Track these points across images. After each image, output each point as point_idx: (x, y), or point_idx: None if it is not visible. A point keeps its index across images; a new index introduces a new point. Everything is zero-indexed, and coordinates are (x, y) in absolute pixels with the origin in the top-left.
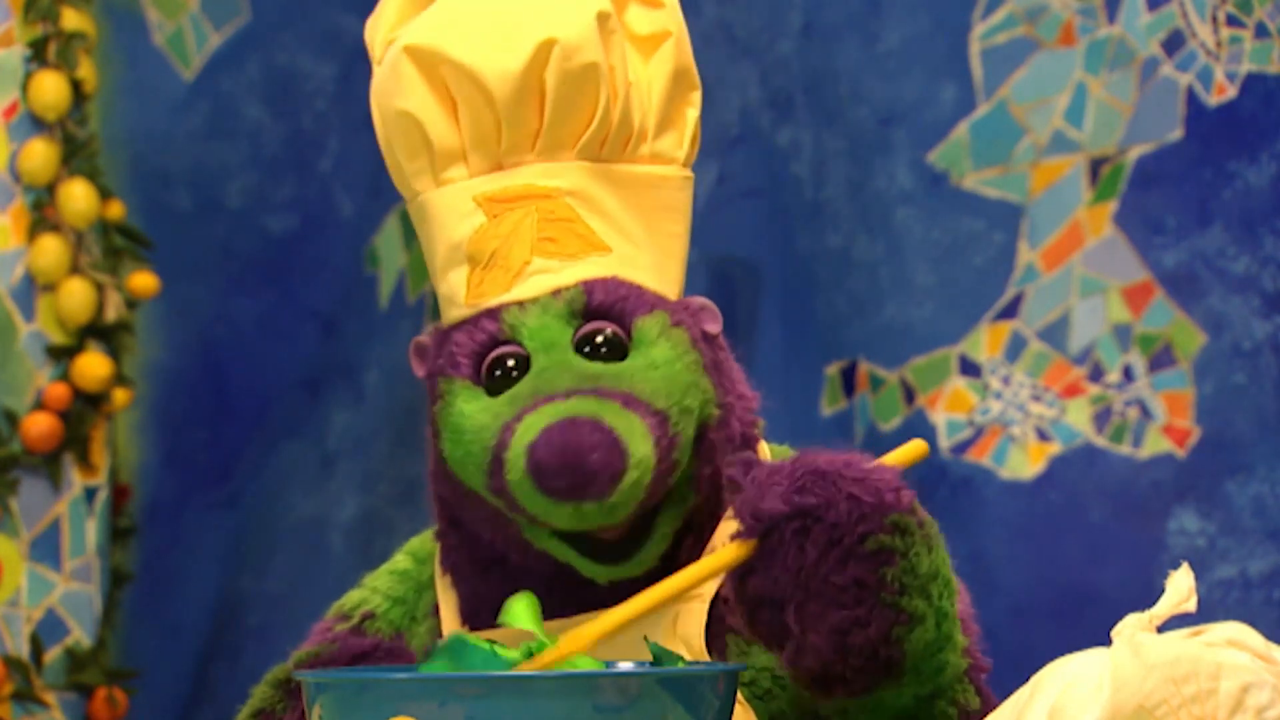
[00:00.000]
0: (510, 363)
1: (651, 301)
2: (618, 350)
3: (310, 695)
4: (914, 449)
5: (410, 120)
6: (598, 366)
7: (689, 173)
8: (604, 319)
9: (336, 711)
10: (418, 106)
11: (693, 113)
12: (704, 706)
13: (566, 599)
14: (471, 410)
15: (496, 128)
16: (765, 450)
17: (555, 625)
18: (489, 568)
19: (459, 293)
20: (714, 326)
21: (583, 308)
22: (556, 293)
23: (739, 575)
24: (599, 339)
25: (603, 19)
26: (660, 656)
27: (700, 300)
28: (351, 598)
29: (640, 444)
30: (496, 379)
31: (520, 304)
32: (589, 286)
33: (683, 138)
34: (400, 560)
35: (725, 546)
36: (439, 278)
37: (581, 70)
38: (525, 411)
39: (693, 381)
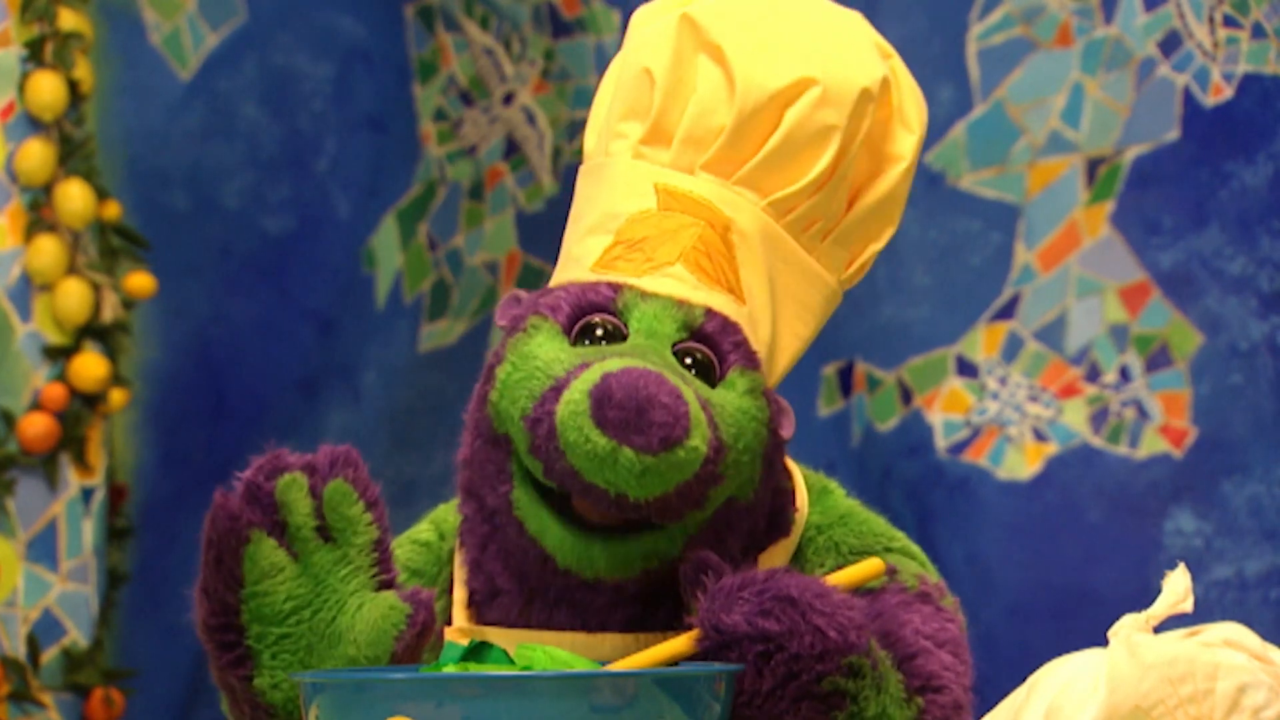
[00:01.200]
0: (601, 332)
1: (755, 363)
2: (706, 376)
3: (307, 695)
4: (869, 568)
5: (647, 81)
6: (687, 374)
7: (840, 293)
8: (708, 346)
9: (334, 711)
10: (662, 74)
11: (875, 247)
12: (701, 707)
13: (539, 597)
14: (551, 347)
15: (717, 133)
16: (796, 471)
17: (515, 635)
18: (485, 544)
19: (590, 257)
20: (787, 431)
21: (697, 327)
22: (680, 303)
23: None
24: (693, 358)
25: (866, 95)
26: None
27: (784, 403)
28: None
29: (701, 435)
30: (585, 344)
31: (643, 294)
32: (711, 313)
33: (854, 262)
34: (424, 530)
35: (679, 637)
36: (577, 239)
37: (822, 126)
38: (608, 355)
39: (754, 449)
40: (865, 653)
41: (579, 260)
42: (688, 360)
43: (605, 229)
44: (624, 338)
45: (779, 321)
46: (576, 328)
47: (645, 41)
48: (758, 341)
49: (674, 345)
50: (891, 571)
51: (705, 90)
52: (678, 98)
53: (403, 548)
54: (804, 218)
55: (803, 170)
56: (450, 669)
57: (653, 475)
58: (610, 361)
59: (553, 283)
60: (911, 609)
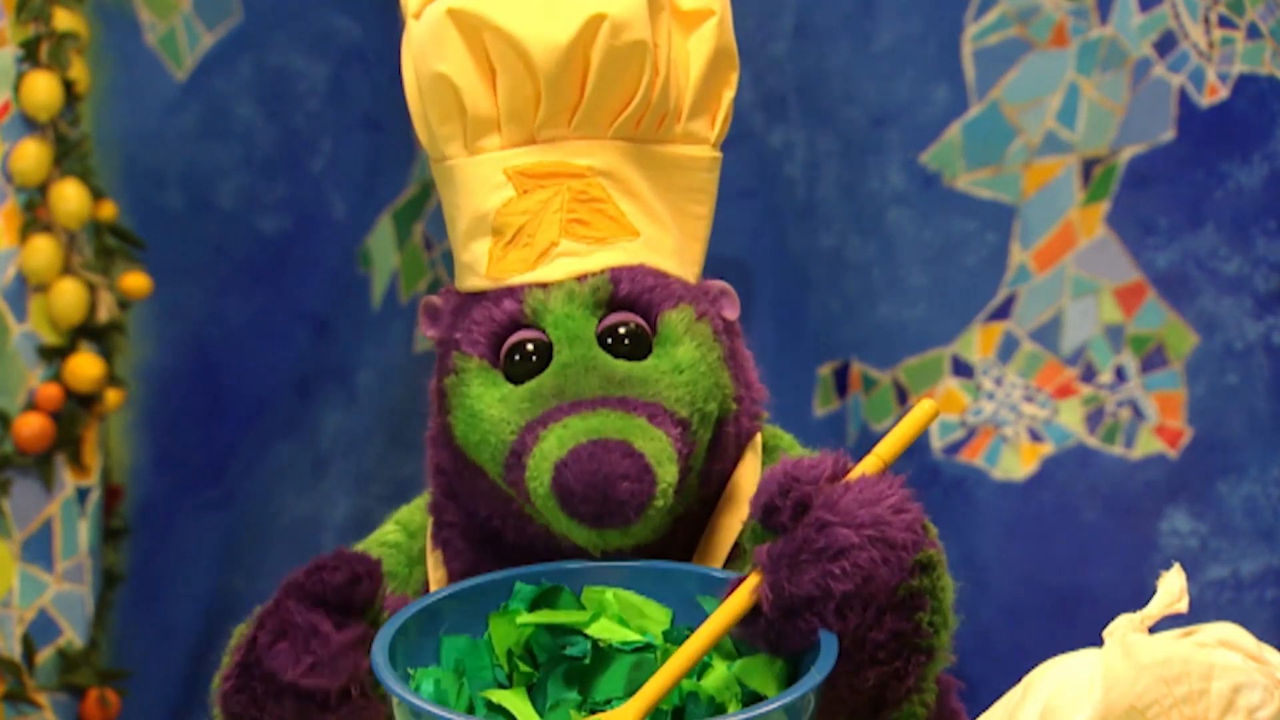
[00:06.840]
0: (530, 348)
1: (678, 293)
2: (642, 344)
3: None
4: (924, 410)
5: (447, 84)
6: (623, 367)
7: (718, 153)
8: (629, 310)
9: None
10: (456, 71)
11: (729, 93)
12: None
13: None
14: (490, 398)
15: (535, 100)
16: (758, 441)
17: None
18: (483, 544)
19: (480, 263)
20: (732, 312)
21: (608, 297)
22: (582, 278)
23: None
24: (623, 330)
25: None
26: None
27: (719, 285)
28: None
29: (668, 468)
30: (516, 363)
31: (544, 286)
32: (615, 275)
33: (715, 118)
34: (391, 531)
35: (737, 594)
36: (460, 245)
37: (628, 48)
38: (550, 417)
39: (714, 383)
40: (929, 539)
41: (472, 267)
42: (622, 332)
43: (480, 231)
44: (549, 348)
45: (677, 218)
46: (503, 355)
47: (424, 47)
48: (666, 255)
49: (599, 330)
50: None
51: (504, 69)
52: (482, 87)
53: (372, 550)
54: (651, 122)
55: (630, 89)
56: (522, 615)
57: (641, 527)
58: (552, 441)
59: (457, 285)
60: None
